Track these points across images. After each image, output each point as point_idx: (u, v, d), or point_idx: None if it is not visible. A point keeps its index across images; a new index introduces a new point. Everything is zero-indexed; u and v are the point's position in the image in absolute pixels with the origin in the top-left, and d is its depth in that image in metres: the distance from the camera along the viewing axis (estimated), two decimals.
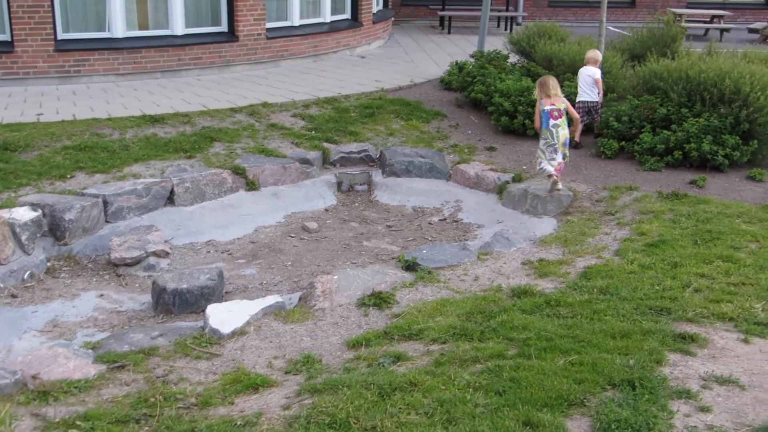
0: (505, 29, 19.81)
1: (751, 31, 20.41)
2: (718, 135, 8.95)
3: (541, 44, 11.77)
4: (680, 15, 19.91)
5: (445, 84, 12.55)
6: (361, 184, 9.66)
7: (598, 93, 9.87)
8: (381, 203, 9.30)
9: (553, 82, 8.18)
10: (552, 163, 8.20)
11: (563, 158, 8.27)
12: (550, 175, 8.20)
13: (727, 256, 6.38)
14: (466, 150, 10.04)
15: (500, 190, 8.86)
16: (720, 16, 20.16)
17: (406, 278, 6.26)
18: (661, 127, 9.42)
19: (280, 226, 8.54)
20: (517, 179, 8.93)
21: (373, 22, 16.23)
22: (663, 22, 12.81)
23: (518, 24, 20.34)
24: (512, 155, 9.85)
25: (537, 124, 8.32)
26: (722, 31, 19.98)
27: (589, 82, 9.83)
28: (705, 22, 20.73)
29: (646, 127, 9.42)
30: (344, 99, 11.74)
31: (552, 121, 8.11)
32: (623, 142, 9.55)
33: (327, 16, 14.87)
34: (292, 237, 8.27)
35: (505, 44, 13.02)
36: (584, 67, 10.01)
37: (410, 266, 6.52)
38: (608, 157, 9.53)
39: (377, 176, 9.69)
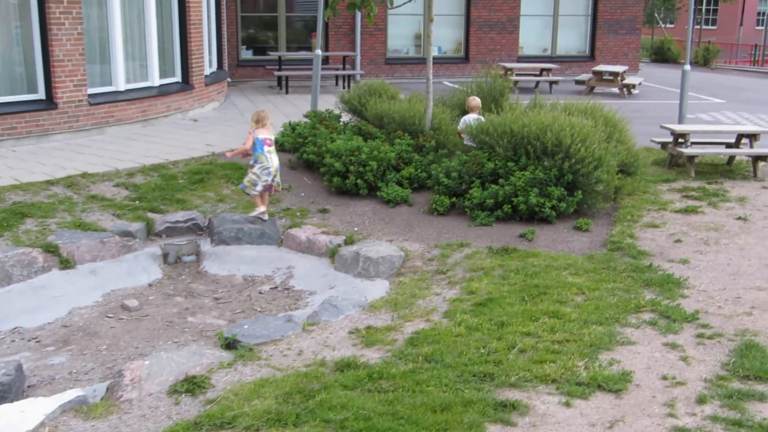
0: (344, 87, 19.87)
1: (578, 82, 21.37)
2: (544, 187, 9.07)
3: (372, 102, 11.73)
4: (511, 69, 20.60)
5: (279, 145, 12.26)
6: (189, 255, 9.17)
7: None
8: (210, 274, 8.84)
9: (266, 116, 9.47)
10: (264, 184, 9.32)
11: (274, 182, 9.41)
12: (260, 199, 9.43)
13: (553, 312, 6.33)
14: (298, 213, 9.75)
15: (332, 253, 8.60)
16: (548, 69, 21.01)
17: (224, 358, 5.84)
18: (490, 181, 9.48)
19: (98, 306, 7.93)
20: (349, 242, 8.71)
21: (206, 84, 15.84)
22: (491, 76, 13.08)
23: (357, 82, 20.45)
24: (345, 216, 9.64)
25: (248, 146, 9.36)
26: (551, 83, 20.82)
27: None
28: (535, 75, 21.55)
29: (476, 183, 9.45)
30: (172, 165, 11.25)
31: (266, 147, 9.30)
32: (454, 198, 9.54)
33: (155, 80, 14.36)
34: (110, 317, 7.67)
35: (337, 103, 12.92)
36: (468, 115, 10.85)
37: (230, 344, 6.10)
38: (440, 213, 9.48)
39: (206, 245, 9.23)
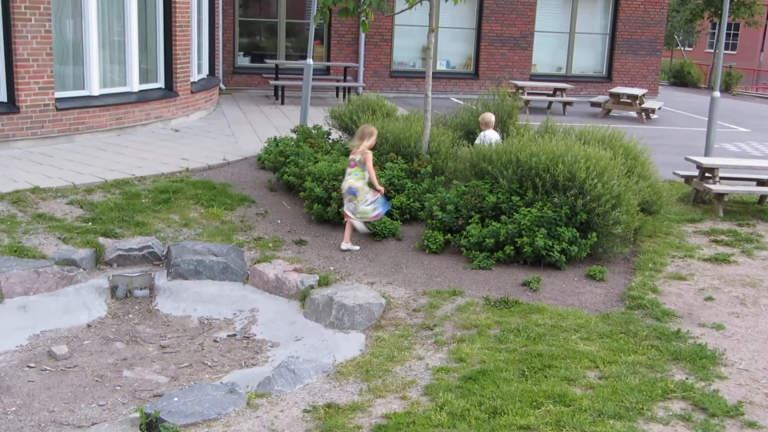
0: (344, 99, 18.65)
1: (594, 104, 20.14)
2: (553, 227, 7.83)
3: (364, 120, 10.51)
4: (522, 88, 19.38)
5: (262, 163, 11.08)
6: (141, 289, 7.94)
7: None
8: (161, 314, 7.61)
9: (360, 132, 8.44)
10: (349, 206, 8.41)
11: (353, 211, 8.35)
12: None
13: (559, 395, 5.08)
14: (270, 244, 8.52)
15: (303, 296, 7.37)
16: (562, 90, 19.78)
17: None
18: (491, 217, 8.24)
19: (20, 352, 6.70)
20: (323, 282, 7.47)
21: (192, 92, 14.65)
22: (499, 95, 11.84)
23: (358, 95, 19.24)
24: (324, 250, 8.41)
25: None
26: (565, 104, 19.59)
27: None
28: (548, 95, 20.33)
29: (474, 218, 8.21)
30: (138, 181, 10.05)
31: (348, 169, 8.39)
32: (449, 235, 8.30)
33: (135, 85, 13.18)
34: (32, 367, 6.44)
35: (326, 119, 11.70)
36: (487, 131, 9.94)
37: (151, 425, 4.86)
38: (433, 251, 8.24)
39: (161, 279, 8.01)
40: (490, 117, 10.23)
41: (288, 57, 20.54)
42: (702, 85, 33.64)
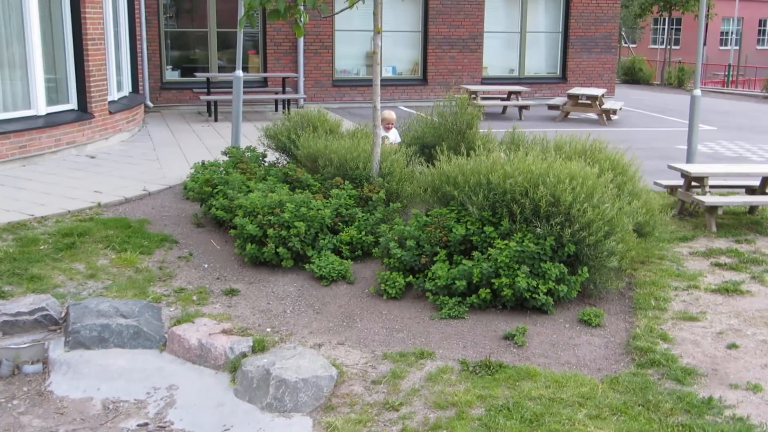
0: (284, 113, 17.17)
1: (551, 107, 18.96)
2: (536, 264, 6.46)
3: (304, 138, 9.05)
4: (476, 93, 18.10)
5: (185, 193, 9.56)
6: (33, 363, 6.36)
7: None
8: (56, 396, 6.04)
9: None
10: None
11: None
12: None
13: None
14: (195, 297, 7.00)
15: (234, 367, 5.88)
16: (517, 93, 18.55)
17: None
18: (460, 252, 6.85)
19: None
20: (258, 347, 5.99)
21: (111, 112, 13.03)
22: (456, 103, 10.45)
23: (300, 107, 17.79)
24: (261, 300, 6.92)
25: None
26: (521, 108, 18.36)
27: None
28: (502, 99, 19.10)
29: (440, 254, 6.80)
30: (38, 223, 8.45)
31: None
32: (411, 277, 6.88)
33: (41, 108, 11.54)
34: None
35: (260, 138, 10.20)
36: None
37: None
38: (392, 297, 6.82)
39: (57, 349, 6.43)
40: (391, 115, 9.96)
41: (222, 69, 18.97)
42: (654, 81, 32.85)
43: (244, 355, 5.95)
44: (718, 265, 7.82)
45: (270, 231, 7.31)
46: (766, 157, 14.35)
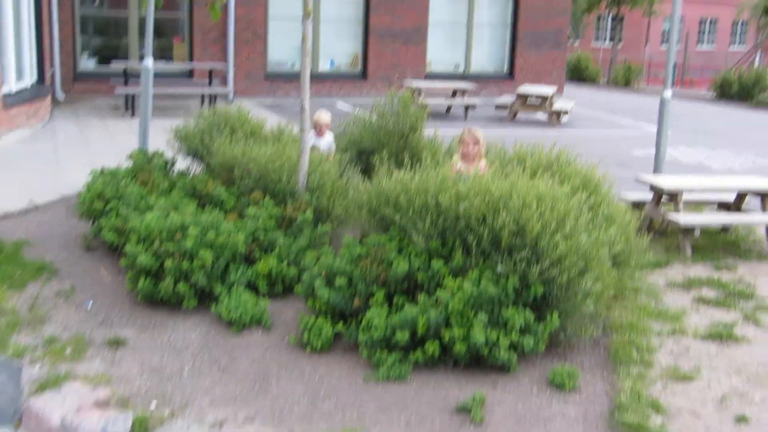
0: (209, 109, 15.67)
1: (499, 107, 17.82)
2: (496, 310, 5.20)
3: (218, 143, 7.64)
4: (419, 90, 16.83)
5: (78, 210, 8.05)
6: None
7: None
8: None
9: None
10: None
11: None
12: None
13: None
14: (69, 350, 5.53)
15: None
16: (463, 91, 17.35)
17: None
18: (402, 292, 5.56)
19: None
20: (140, 428, 4.59)
21: (6, 106, 11.41)
22: (399, 103, 9.11)
23: (230, 103, 16.31)
24: (152, 354, 5.49)
25: None
26: (467, 107, 17.17)
27: None
28: (446, 96, 17.88)
29: (378, 296, 5.49)
30: None
31: None
32: (341, 324, 5.56)
33: None
34: None
35: (170, 141, 8.73)
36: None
37: None
38: (317, 350, 5.48)
39: None
40: (325, 117, 8.62)
41: (143, 58, 17.31)
42: (600, 80, 32.05)
43: None
44: (701, 300, 6.69)
45: (168, 262, 5.91)
46: (727, 164, 13.43)
